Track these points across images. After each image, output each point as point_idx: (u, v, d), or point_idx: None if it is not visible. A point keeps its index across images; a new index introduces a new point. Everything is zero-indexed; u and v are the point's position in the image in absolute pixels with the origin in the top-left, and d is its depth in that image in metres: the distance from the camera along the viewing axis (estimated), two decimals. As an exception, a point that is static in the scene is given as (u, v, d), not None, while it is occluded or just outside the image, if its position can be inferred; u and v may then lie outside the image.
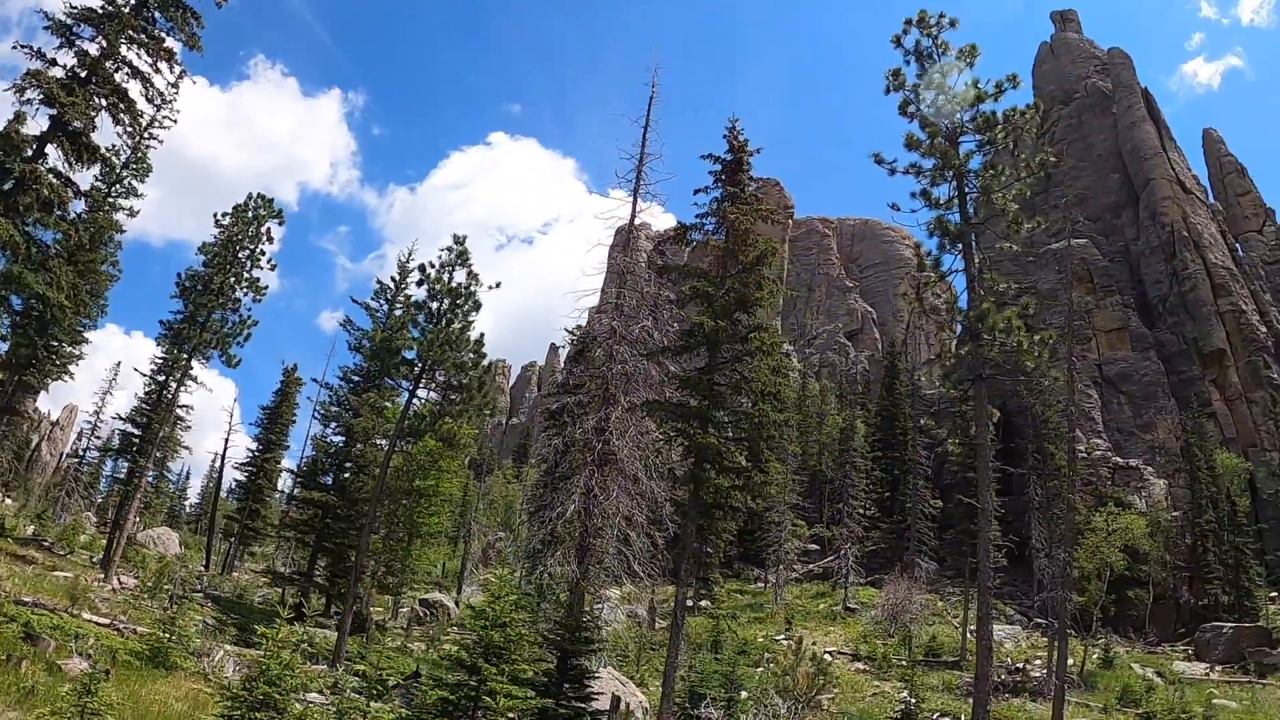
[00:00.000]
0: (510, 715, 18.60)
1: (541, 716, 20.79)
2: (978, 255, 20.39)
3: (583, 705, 23.51)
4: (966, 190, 21.02)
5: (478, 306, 36.06)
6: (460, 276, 36.00)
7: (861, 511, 60.58)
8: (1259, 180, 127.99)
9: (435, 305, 35.69)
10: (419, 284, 36.45)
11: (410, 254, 43.09)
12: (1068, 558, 31.30)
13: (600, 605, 35.93)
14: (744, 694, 29.71)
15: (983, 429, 19.20)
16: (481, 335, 36.59)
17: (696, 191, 28.62)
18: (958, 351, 19.85)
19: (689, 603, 52.98)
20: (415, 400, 36.66)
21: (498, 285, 37.24)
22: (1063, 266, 58.63)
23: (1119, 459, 72.53)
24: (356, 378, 48.46)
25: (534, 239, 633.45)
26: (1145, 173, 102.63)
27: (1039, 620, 54.56)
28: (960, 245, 20.42)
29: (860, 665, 42.46)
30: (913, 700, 31.76)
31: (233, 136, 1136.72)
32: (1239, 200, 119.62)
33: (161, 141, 43.15)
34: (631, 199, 26.89)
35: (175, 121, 41.85)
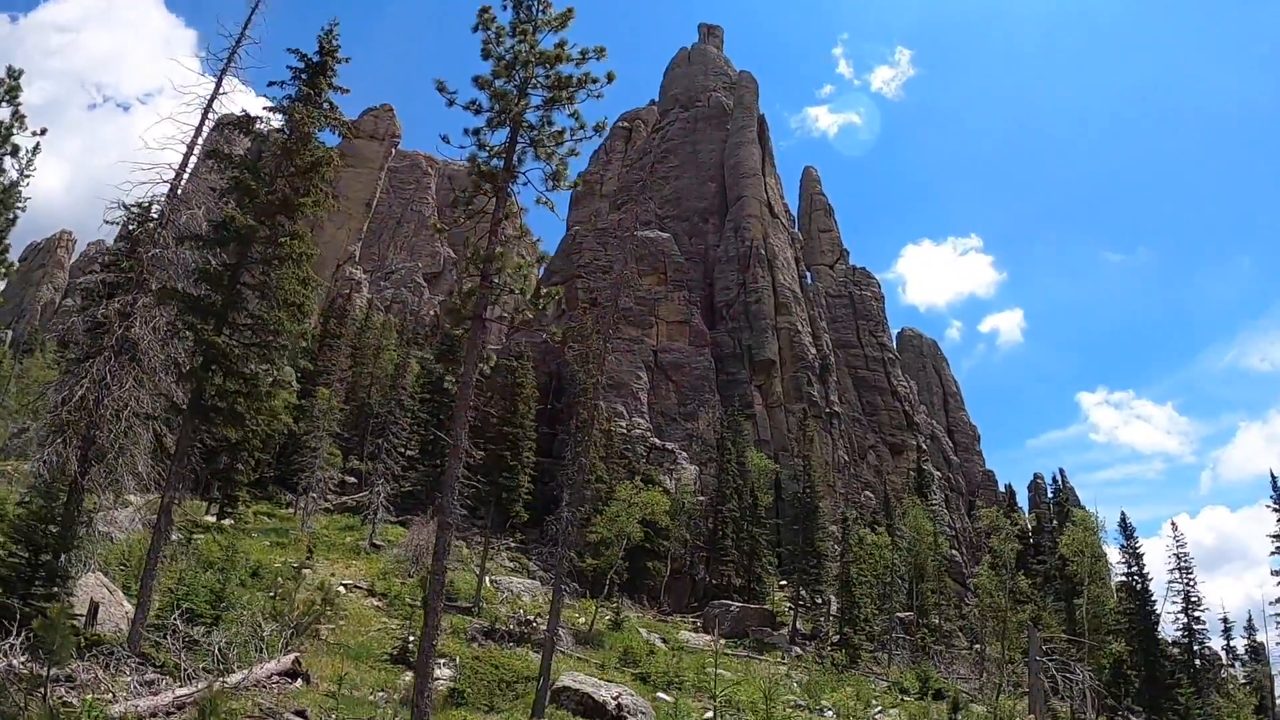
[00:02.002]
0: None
1: (-2, 611, 18.77)
2: (514, 203, 20.80)
3: (47, 606, 21.29)
4: (518, 141, 21.31)
5: (17, 151, 31.49)
6: (4, 114, 31.40)
7: (402, 450, 60.06)
8: (843, 224, 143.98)
9: (-34, 142, 30.87)
10: (-45, 114, 31.39)
11: (-32, 84, 36.82)
12: (571, 518, 33.09)
13: (112, 508, 32.88)
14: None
15: (470, 368, 19.61)
16: (12, 185, 32.06)
17: (270, 84, 27.30)
18: (466, 291, 20.13)
19: (210, 518, 50.35)
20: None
21: (44, 131, 32.58)
22: (635, 249, 61.95)
23: (657, 440, 78.14)
24: (-122, 216, 40.77)
25: (132, 107, 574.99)
26: (740, 189, 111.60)
27: (561, 578, 57.41)
28: (493, 189, 20.68)
29: (375, 601, 42.32)
30: (412, 638, 32.23)
31: None
32: (820, 235, 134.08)
33: None
34: (217, 79, 25.07)
35: None
